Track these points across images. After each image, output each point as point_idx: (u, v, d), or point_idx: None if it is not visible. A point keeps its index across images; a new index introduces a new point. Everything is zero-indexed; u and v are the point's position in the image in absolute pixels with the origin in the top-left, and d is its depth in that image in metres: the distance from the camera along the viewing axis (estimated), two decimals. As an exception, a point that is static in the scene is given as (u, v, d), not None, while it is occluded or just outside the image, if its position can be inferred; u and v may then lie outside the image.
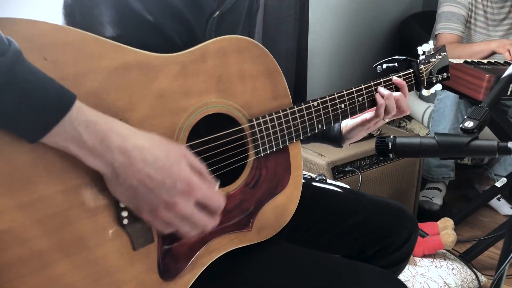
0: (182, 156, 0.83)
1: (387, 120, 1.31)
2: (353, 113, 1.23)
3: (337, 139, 1.36)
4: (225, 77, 1.00)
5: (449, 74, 1.54)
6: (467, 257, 2.30)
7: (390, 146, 1.08)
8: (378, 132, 2.35)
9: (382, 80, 1.30)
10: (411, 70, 1.38)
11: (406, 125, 2.84)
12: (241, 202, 1.04)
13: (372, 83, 1.27)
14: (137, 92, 0.87)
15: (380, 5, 3.37)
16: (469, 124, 1.09)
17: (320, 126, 1.16)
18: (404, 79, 1.34)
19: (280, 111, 1.08)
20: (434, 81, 1.47)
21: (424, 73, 1.41)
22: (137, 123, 0.87)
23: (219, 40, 0.99)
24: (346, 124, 1.35)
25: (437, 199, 2.65)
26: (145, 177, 0.78)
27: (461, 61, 2.24)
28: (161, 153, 0.80)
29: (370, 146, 2.22)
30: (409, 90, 1.36)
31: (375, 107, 1.27)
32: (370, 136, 2.32)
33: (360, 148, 2.18)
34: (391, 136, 1.09)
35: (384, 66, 1.43)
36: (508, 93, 2.07)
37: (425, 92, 1.46)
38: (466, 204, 2.91)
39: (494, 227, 2.70)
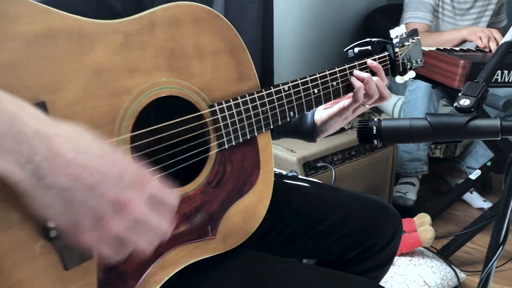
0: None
1: (368, 106, 1.15)
2: (327, 99, 1.05)
3: (310, 132, 1.18)
4: (179, 53, 0.81)
5: (423, 60, 1.39)
6: (445, 254, 2.17)
7: (374, 130, 0.91)
8: (350, 126, 2.20)
9: (356, 63, 1.13)
10: (386, 53, 1.22)
11: (375, 119, 2.70)
12: (202, 205, 0.85)
13: (346, 66, 1.10)
14: (66, 68, 0.68)
15: (346, -1, 3.24)
16: (465, 102, 0.93)
17: (292, 113, 0.98)
18: (379, 63, 1.18)
19: (247, 95, 0.90)
20: (408, 67, 1.31)
21: (399, 57, 1.25)
22: (66, 106, 0.67)
23: (171, 6, 0.80)
24: (321, 116, 1.17)
25: (411, 194, 2.52)
26: (81, 170, 0.55)
27: (434, 48, 2.11)
28: (94, 140, 0.59)
29: (342, 140, 2.06)
30: (386, 74, 1.20)
31: (351, 93, 1.10)
32: (341, 130, 2.16)
33: (331, 142, 2.02)
34: (375, 119, 0.92)
35: (356, 50, 1.26)
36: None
37: (399, 79, 1.30)
38: (439, 198, 2.80)
39: (468, 221, 2.59)
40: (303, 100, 1.00)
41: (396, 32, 1.26)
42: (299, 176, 1.57)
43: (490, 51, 2.22)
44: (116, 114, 0.73)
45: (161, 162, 0.78)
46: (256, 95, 0.91)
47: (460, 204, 2.77)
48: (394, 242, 1.25)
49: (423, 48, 2.13)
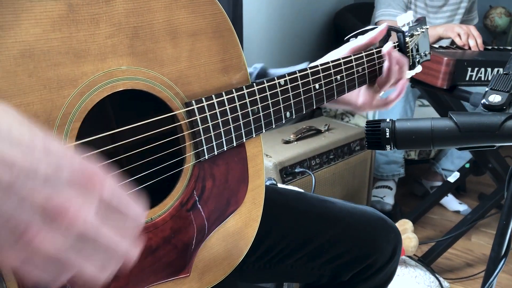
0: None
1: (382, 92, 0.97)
2: (329, 96, 0.84)
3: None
4: (145, 32, 0.58)
5: (430, 52, 1.20)
6: (427, 261, 2.00)
7: (387, 133, 0.70)
8: (327, 127, 2.00)
9: (375, 50, 0.93)
10: (396, 43, 1.02)
11: (349, 120, 2.52)
12: (172, 234, 0.62)
13: (353, 57, 0.90)
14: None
15: (315, -4, 3.07)
16: (495, 98, 0.73)
17: (288, 113, 0.76)
18: None
19: (233, 90, 0.67)
20: (417, 60, 1.12)
21: (410, 48, 1.06)
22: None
23: (134, -31, 0.57)
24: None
25: (389, 198, 2.34)
26: None
27: (414, 45, 1.93)
28: (16, 119, 0.37)
29: (319, 143, 1.86)
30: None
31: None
32: (318, 132, 1.97)
33: (309, 145, 1.81)
34: (388, 120, 0.72)
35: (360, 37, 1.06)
36: (467, 78, 1.79)
37: (408, 73, 1.11)
38: (414, 201, 2.65)
39: (444, 225, 2.45)
40: (302, 97, 0.79)
41: (404, 20, 1.06)
42: (280, 185, 1.36)
43: (469, 48, 2.07)
44: (54, 114, 0.49)
45: (119, 179, 0.55)
46: (245, 91, 0.69)
47: (436, 207, 2.61)
48: (395, 259, 1.05)
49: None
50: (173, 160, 0.62)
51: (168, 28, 0.60)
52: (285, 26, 2.84)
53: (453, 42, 2.15)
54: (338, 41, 3.52)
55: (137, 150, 0.59)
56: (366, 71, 0.91)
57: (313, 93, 0.81)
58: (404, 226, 1.92)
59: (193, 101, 0.62)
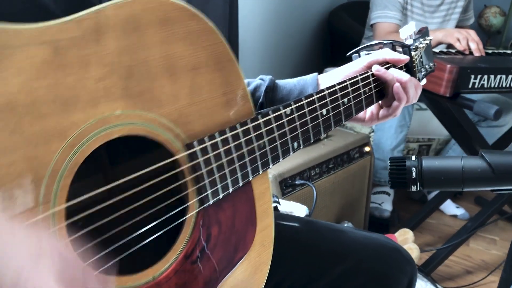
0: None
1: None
2: (337, 121, 0.79)
3: None
4: (140, 70, 0.52)
5: (435, 64, 1.14)
6: (427, 270, 1.96)
7: (414, 173, 0.65)
8: (325, 135, 1.95)
9: (370, 73, 0.87)
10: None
11: (413, 157, 2.45)
12: (178, 290, 0.57)
13: (359, 78, 0.85)
14: None
15: (308, -4, 3.01)
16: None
17: (296, 144, 0.70)
18: None
19: (238, 125, 0.61)
20: (422, 74, 1.06)
21: (416, 62, 1.00)
22: None
23: (127, 2, 0.51)
24: None
25: (387, 205, 2.30)
26: None
27: (414, 50, 1.88)
28: None
29: (318, 152, 1.80)
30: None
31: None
32: (317, 140, 1.91)
33: (308, 155, 1.76)
34: (414, 158, 0.66)
35: (363, 54, 1.00)
36: (470, 86, 1.74)
37: (413, 88, 1.05)
38: (411, 206, 2.60)
39: (442, 230, 2.41)
40: (309, 125, 0.73)
41: (407, 32, 1.00)
42: (283, 202, 1.30)
43: (470, 53, 2.02)
44: (41, 173, 0.43)
45: (117, 239, 0.49)
46: (250, 125, 0.63)
47: (433, 212, 2.58)
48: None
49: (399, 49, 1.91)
50: (175, 210, 0.56)
51: (165, 64, 0.54)
52: (279, 26, 2.78)
53: (451, 46, 2.10)
54: (333, 42, 3.45)
55: (136, 203, 0.53)
56: (373, 91, 0.85)
57: (320, 120, 0.75)
58: (405, 236, 1.87)
59: (195, 142, 0.56)
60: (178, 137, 0.56)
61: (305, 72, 0.93)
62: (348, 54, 1.02)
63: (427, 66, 1.08)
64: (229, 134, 0.60)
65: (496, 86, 1.78)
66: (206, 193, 0.58)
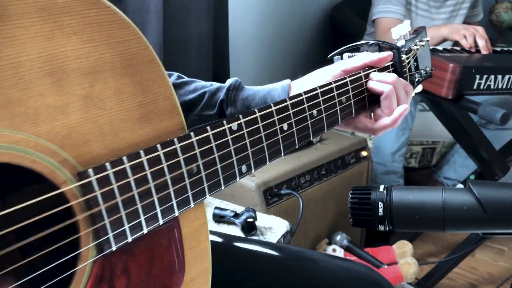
0: None
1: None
2: (302, 138, 0.64)
3: None
4: (4, 76, 0.38)
5: (432, 68, 0.99)
6: (428, 284, 1.81)
7: (381, 209, 0.50)
8: (319, 138, 1.79)
9: (363, 73, 0.72)
10: (389, 63, 0.81)
11: (381, 187, 2.30)
12: None
13: (362, 74, 0.71)
14: None
15: (309, -12, 2.84)
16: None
17: (244, 168, 0.56)
18: None
19: (159, 146, 0.47)
20: (416, 80, 0.91)
21: (407, 67, 0.85)
22: None
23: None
24: None
25: (386, 212, 2.14)
26: None
27: (416, 48, 1.72)
28: None
29: (310, 157, 1.65)
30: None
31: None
32: (309, 143, 1.76)
33: (297, 161, 1.61)
34: (382, 188, 0.51)
35: (346, 56, 0.85)
36: (474, 87, 1.58)
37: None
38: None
39: (445, 238, 2.25)
40: (264, 143, 0.58)
41: (399, 31, 0.85)
42: (260, 227, 1.16)
43: (477, 51, 1.85)
44: None
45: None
46: (178, 145, 0.48)
47: (436, 219, 2.42)
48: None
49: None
50: (62, 258, 0.41)
51: (46, 67, 0.40)
52: (276, 23, 2.61)
53: (457, 44, 1.93)
54: (335, 39, 3.27)
55: (10, 248, 0.39)
56: (352, 101, 0.70)
57: (279, 136, 0.60)
58: (403, 248, 1.72)
59: (90, 170, 0.42)
60: (66, 163, 0.41)
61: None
62: (329, 57, 0.87)
63: (422, 71, 0.93)
64: (144, 158, 0.46)
65: (504, 87, 1.62)
66: (106, 237, 0.43)
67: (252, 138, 0.56)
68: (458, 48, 1.87)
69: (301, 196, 1.56)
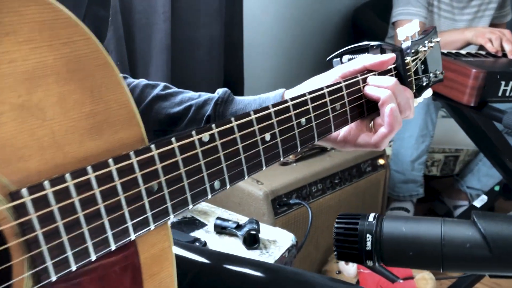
0: None
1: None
2: (287, 150, 0.58)
3: None
4: None
5: (443, 72, 0.91)
6: (446, 301, 1.71)
7: (368, 243, 0.43)
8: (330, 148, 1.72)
9: (360, 77, 0.66)
10: (392, 66, 0.74)
11: (371, 216, 2.21)
12: None
13: (359, 78, 0.65)
14: None
15: (332, -10, 2.76)
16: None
17: (217, 183, 0.50)
18: None
19: (111, 161, 0.41)
20: (425, 83, 0.83)
21: (412, 71, 0.78)
22: None
23: None
24: None
25: (405, 223, 2.05)
26: None
27: (436, 52, 1.63)
28: None
29: (323, 165, 1.58)
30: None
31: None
32: (321, 150, 1.69)
33: (309, 169, 1.54)
34: (372, 217, 0.44)
35: (346, 59, 0.78)
36: (499, 93, 1.49)
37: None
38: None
39: (469, 251, 2.13)
40: (242, 156, 0.52)
41: (406, 32, 0.78)
42: (264, 239, 1.10)
43: (504, 55, 1.75)
44: None
45: None
46: (134, 160, 0.43)
47: (459, 229, 2.30)
48: None
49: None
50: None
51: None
52: (296, 25, 2.54)
53: (482, 48, 1.83)
54: (357, 42, 3.18)
55: None
56: (348, 108, 0.64)
57: (261, 147, 0.54)
58: (420, 262, 1.63)
59: (24, 190, 0.37)
60: (-7, 182, 0.36)
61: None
62: (328, 59, 0.81)
63: (431, 75, 0.85)
64: (92, 175, 0.40)
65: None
66: (44, 265, 0.38)
67: (227, 151, 0.50)
68: (483, 53, 1.77)
69: (312, 206, 1.50)
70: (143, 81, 0.74)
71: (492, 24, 2.23)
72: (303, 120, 0.58)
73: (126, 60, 1.38)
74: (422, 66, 0.83)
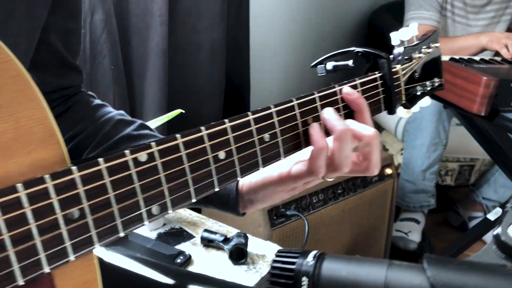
0: None
1: (331, 179, 0.61)
2: (289, 150, 0.52)
3: (232, 202, 0.65)
4: None
5: (442, 80, 0.85)
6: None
7: (306, 285, 0.38)
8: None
9: (317, 95, 0.59)
10: (377, 75, 0.67)
11: (311, 255, 2.12)
12: None
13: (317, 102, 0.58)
14: None
15: (348, -7, 2.69)
16: None
17: (156, 209, 0.45)
18: (363, 92, 0.64)
19: (20, 186, 0.37)
20: (419, 93, 0.77)
21: (402, 79, 0.71)
22: None
23: None
24: (250, 179, 0.64)
25: (414, 235, 1.96)
26: None
27: (447, 58, 1.55)
28: None
29: (325, 174, 1.52)
30: (375, 113, 0.67)
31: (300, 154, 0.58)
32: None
33: (311, 177, 1.48)
34: (311, 256, 0.39)
35: (330, 66, 0.72)
36: (513, 103, 1.41)
37: (402, 112, 0.76)
38: (448, 233, 2.25)
39: (483, 266, 2.04)
40: (189, 177, 0.47)
41: (401, 36, 0.73)
42: (252, 253, 1.04)
43: (520, 62, 1.66)
44: None
45: None
46: (50, 184, 0.38)
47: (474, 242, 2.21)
48: None
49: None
50: None
51: None
52: (310, 27, 2.46)
53: (498, 54, 1.75)
54: (374, 45, 3.10)
55: None
56: (279, 139, 0.55)
57: (212, 166, 0.49)
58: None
59: None
60: None
61: (339, 80, 0.65)
62: (311, 65, 0.75)
63: (427, 83, 0.79)
64: (-7, 201, 0.35)
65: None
66: None
67: (170, 171, 0.45)
68: (499, 59, 1.68)
69: (313, 217, 1.44)
70: (119, 115, 0.69)
71: (510, 29, 2.13)
72: (266, 135, 0.53)
73: (121, 64, 1.34)
74: (417, 73, 0.77)
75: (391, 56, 0.72)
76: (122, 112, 0.70)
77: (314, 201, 1.47)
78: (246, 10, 1.79)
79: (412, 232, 1.96)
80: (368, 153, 0.57)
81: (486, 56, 1.77)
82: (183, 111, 1.08)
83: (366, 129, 0.57)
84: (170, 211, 0.46)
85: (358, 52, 0.70)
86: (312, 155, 0.55)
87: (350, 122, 0.57)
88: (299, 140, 0.57)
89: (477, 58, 1.64)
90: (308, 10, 2.44)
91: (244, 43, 1.83)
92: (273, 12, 2.19)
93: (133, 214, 0.43)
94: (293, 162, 0.59)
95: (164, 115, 1.12)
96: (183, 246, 1.08)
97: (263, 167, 0.54)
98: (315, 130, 0.55)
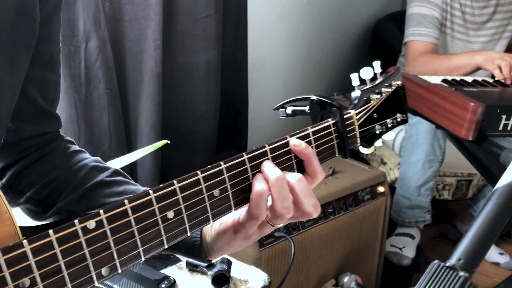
0: None
1: (279, 226, 0.65)
2: (195, 225, 0.56)
3: (195, 251, 0.69)
4: None
5: (405, 115, 0.87)
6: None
7: None
8: (331, 171, 1.68)
9: (268, 147, 0.63)
10: (330, 122, 0.71)
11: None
12: None
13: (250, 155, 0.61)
14: None
15: (352, 2, 2.69)
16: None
17: (105, 271, 0.49)
18: (316, 139, 0.68)
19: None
20: (377, 132, 0.80)
21: (356, 124, 0.74)
22: None
23: None
24: (211, 228, 0.68)
25: (409, 250, 1.98)
26: None
27: (439, 79, 1.56)
28: None
29: (316, 193, 1.55)
30: (328, 158, 0.70)
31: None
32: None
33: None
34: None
35: (290, 110, 0.76)
36: (500, 128, 1.42)
37: (364, 150, 0.80)
38: (445, 247, 2.27)
39: (481, 281, 2.06)
40: (138, 238, 0.51)
41: (364, 75, 0.76)
42: (235, 278, 1.08)
43: (512, 83, 1.66)
44: None
45: None
46: (1, 259, 0.42)
47: (471, 257, 2.21)
48: None
49: (424, 77, 1.59)
50: None
51: None
52: (313, 39, 2.46)
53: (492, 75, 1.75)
54: (378, 56, 3.11)
55: None
56: (230, 192, 0.59)
57: (161, 226, 0.53)
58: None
59: None
60: None
61: (342, 90, 0.70)
62: (274, 109, 0.80)
63: (388, 120, 0.82)
64: None
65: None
66: None
67: (118, 235, 0.49)
68: (491, 80, 1.69)
69: (303, 236, 1.47)
70: (94, 162, 0.72)
71: (511, 46, 2.13)
72: (216, 191, 0.57)
73: (116, 88, 1.39)
74: (376, 114, 0.79)
75: (342, 106, 0.74)
76: (97, 158, 0.74)
77: (304, 221, 1.50)
78: (244, 28, 1.82)
79: (406, 248, 1.98)
80: (295, 197, 0.60)
81: (482, 75, 1.78)
82: (168, 142, 1.12)
83: (292, 176, 0.60)
84: (119, 271, 0.50)
85: (313, 100, 0.73)
86: (252, 199, 0.59)
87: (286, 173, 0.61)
88: (248, 194, 0.60)
89: (469, 79, 1.65)
90: (311, 22, 2.45)
91: (242, 61, 1.86)
92: (273, 25, 2.20)
93: (83, 278, 0.47)
94: (244, 209, 0.63)
95: (150, 146, 1.16)
96: (169, 270, 1.12)
97: (213, 221, 0.58)
98: (256, 177, 0.59)
